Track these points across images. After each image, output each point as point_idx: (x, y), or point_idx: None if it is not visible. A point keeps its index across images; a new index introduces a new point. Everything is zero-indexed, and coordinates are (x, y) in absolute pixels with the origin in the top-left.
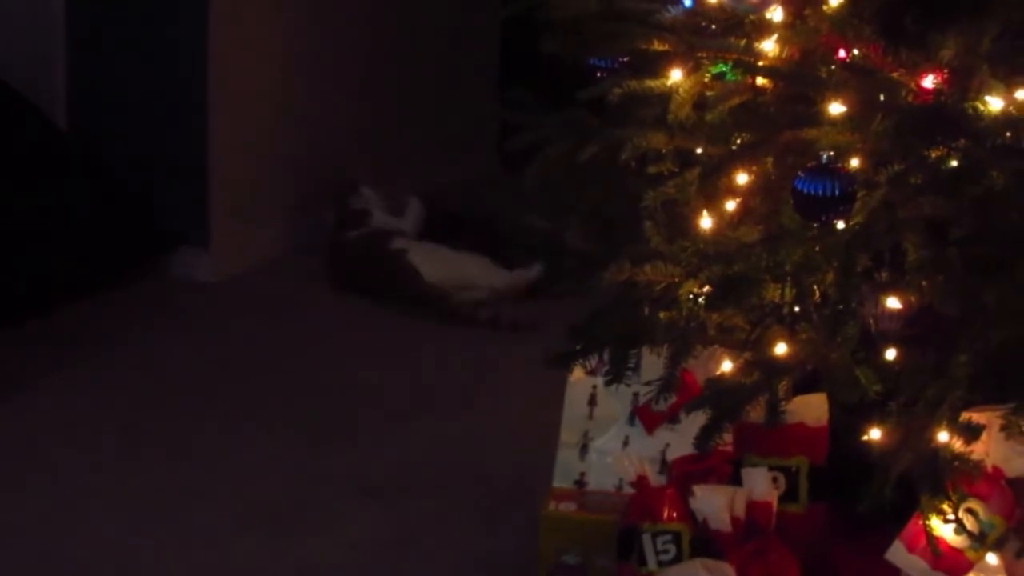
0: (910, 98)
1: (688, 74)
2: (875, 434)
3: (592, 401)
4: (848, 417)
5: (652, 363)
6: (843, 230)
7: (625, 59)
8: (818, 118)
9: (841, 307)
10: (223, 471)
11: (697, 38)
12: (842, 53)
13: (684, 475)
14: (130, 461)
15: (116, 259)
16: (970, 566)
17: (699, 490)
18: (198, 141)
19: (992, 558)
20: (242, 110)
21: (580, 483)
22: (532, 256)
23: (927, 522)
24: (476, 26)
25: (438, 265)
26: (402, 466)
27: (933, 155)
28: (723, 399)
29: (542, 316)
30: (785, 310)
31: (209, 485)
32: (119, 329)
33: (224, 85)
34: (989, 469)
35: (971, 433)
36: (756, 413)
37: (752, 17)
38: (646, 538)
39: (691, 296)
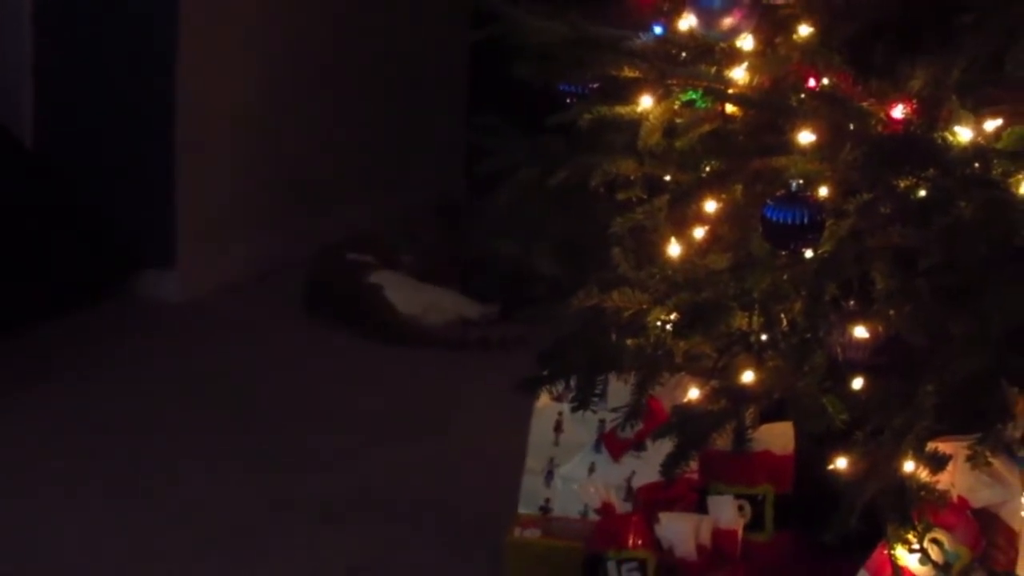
0: (879, 127)
1: (658, 101)
2: (841, 463)
3: (558, 427)
4: (814, 446)
5: (619, 390)
6: (811, 258)
7: (595, 85)
8: (787, 146)
9: (808, 336)
10: (187, 494)
11: (668, 65)
12: (812, 82)
13: (650, 502)
14: (92, 483)
15: (81, 279)
16: None
17: (665, 517)
18: (165, 161)
19: None
20: (210, 131)
21: (545, 509)
22: (496, 290)
23: (892, 551)
24: (446, 50)
25: (412, 295)
26: (367, 491)
27: (902, 185)
28: (689, 426)
29: (527, 335)
30: (753, 338)
31: (172, 508)
32: (84, 350)
33: (192, 105)
34: (955, 499)
35: (937, 463)
36: (722, 441)
37: (723, 45)
38: (611, 565)
39: (659, 323)
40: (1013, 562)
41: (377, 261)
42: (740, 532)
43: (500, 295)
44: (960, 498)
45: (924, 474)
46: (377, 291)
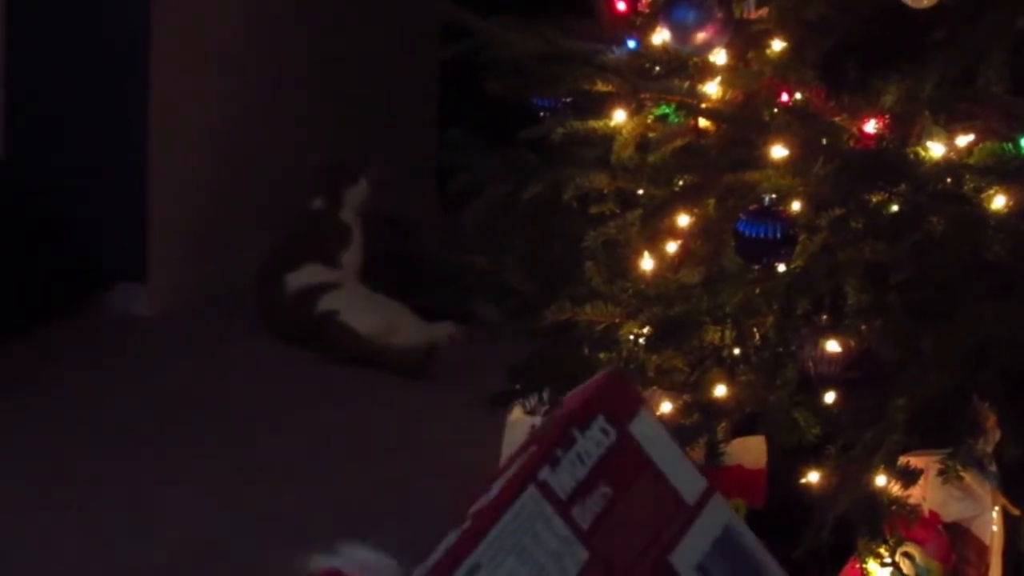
0: (852, 143)
1: (631, 115)
2: (813, 477)
3: None
4: (786, 460)
5: None
6: (783, 273)
7: (568, 99)
8: (760, 161)
9: (780, 350)
10: (156, 510)
11: (640, 79)
12: (784, 97)
13: None
14: (63, 497)
15: (52, 293)
16: None
17: None
18: (138, 175)
19: None
20: (182, 146)
21: None
22: (448, 309)
23: (864, 566)
24: (416, 65)
25: (369, 316)
26: (336, 509)
27: (874, 199)
28: None
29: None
30: (725, 352)
31: (141, 524)
32: (54, 364)
33: (165, 121)
34: (926, 513)
35: (908, 477)
36: (695, 455)
37: (696, 59)
38: None
39: (631, 337)
40: None
41: (318, 269)
42: None
43: (449, 310)
44: (931, 512)
45: (895, 488)
46: (331, 318)
